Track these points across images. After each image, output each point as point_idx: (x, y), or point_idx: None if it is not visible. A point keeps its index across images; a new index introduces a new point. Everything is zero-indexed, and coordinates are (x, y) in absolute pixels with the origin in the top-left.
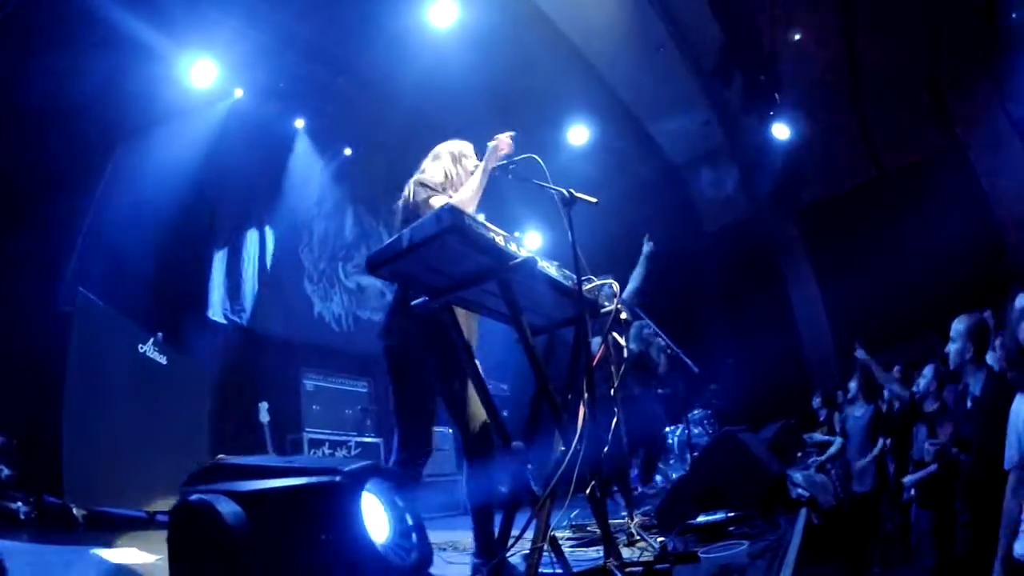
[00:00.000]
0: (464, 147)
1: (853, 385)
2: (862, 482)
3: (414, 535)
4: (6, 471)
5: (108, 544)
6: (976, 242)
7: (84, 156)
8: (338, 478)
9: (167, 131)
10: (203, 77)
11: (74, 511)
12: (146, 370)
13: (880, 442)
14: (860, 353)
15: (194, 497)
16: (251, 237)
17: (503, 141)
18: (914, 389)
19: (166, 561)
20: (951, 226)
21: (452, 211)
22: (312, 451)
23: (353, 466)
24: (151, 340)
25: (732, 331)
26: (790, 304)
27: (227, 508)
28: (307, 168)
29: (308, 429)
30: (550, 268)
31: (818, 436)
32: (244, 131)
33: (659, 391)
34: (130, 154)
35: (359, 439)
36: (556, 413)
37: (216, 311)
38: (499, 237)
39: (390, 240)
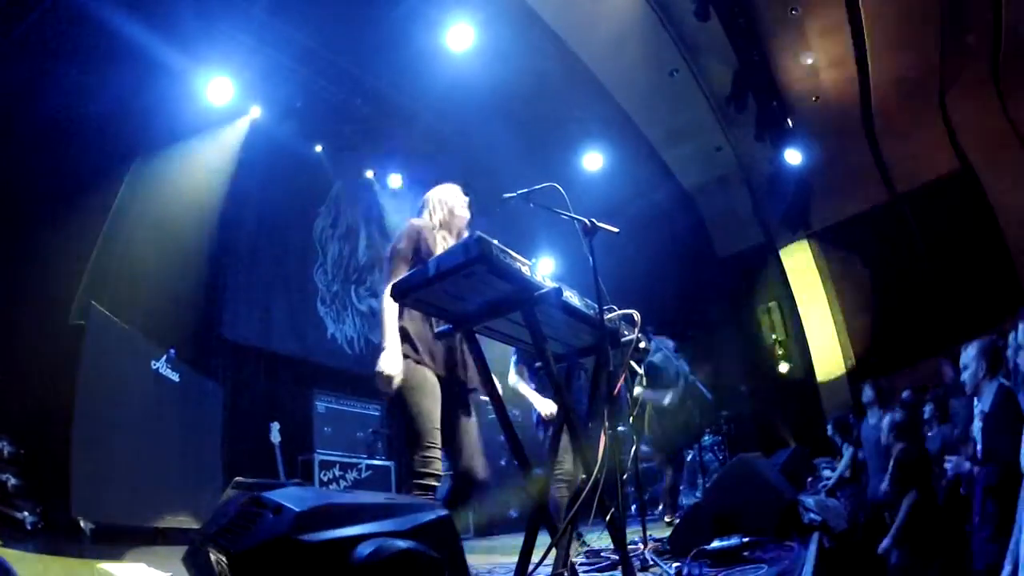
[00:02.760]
0: (450, 193)
1: (868, 392)
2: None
3: None
4: (14, 480)
5: (116, 558)
6: (987, 265)
7: (101, 170)
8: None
9: (184, 147)
10: (220, 94)
11: (81, 523)
12: (159, 387)
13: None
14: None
15: (402, 545)
16: (266, 256)
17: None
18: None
19: None
20: (963, 249)
21: (480, 240)
22: (323, 472)
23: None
24: (164, 357)
25: (743, 357)
26: (802, 330)
27: (420, 549)
28: (322, 189)
29: (319, 450)
30: (573, 297)
31: (827, 473)
32: (261, 149)
33: None
34: (147, 169)
35: (369, 462)
36: (577, 440)
37: (230, 330)
38: (524, 267)
39: (416, 269)
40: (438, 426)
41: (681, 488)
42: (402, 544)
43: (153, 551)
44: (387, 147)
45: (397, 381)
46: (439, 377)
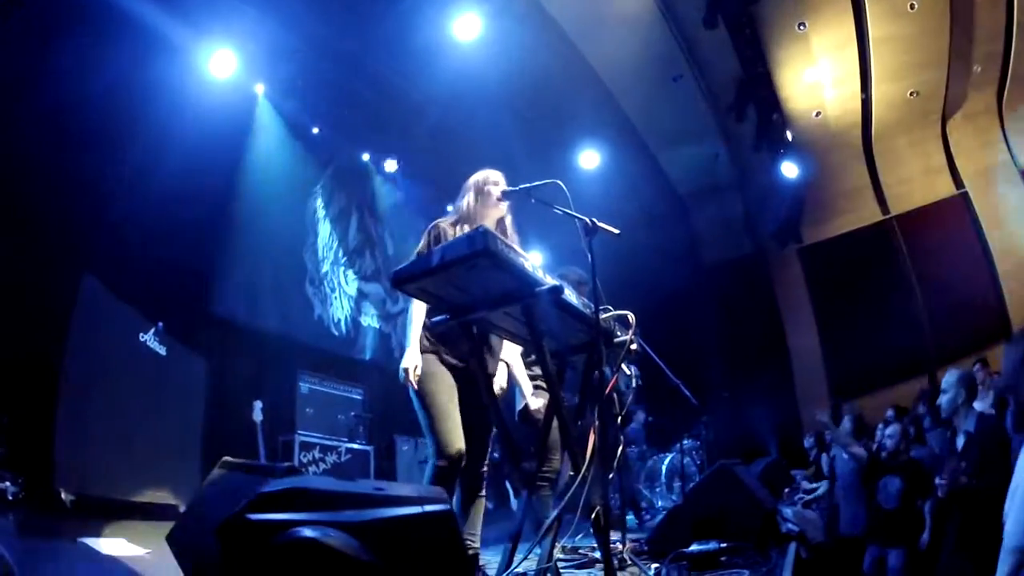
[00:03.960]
0: (490, 175)
1: (846, 424)
2: (853, 524)
3: None
4: None
5: (96, 532)
6: (976, 290)
7: (100, 145)
8: (447, 507)
9: (184, 121)
10: (223, 67)
11: (62, 495)
12: (145, 360)
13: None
14: (821, 416)
15: (307, 533)
16: (257, 234)
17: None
18: (880, 441)
19: (155, 555)
20: (952, 273)
21: (486, 234)
22: (302, 454)
23: (442, 494)
24: (152, 330)
25: (727, 364)
26: (786, 341)
27: (346, 543)
28: (317, 170)
29: (300, 431)
30: (571, 295)
31: (806, 484)
32: (259, 126)
33: (650, 419)
34: (146, 142)
35: (349, 445)
36: (566, 436)
37: (218, 305)
38: (527, 263)
39: (418, 257)
40: (449, 411)
41: (658, 490)
42: (309, 533)
43: (132, 526)
44: (385, 132)
45: (415, 374)
46: (454, 366)
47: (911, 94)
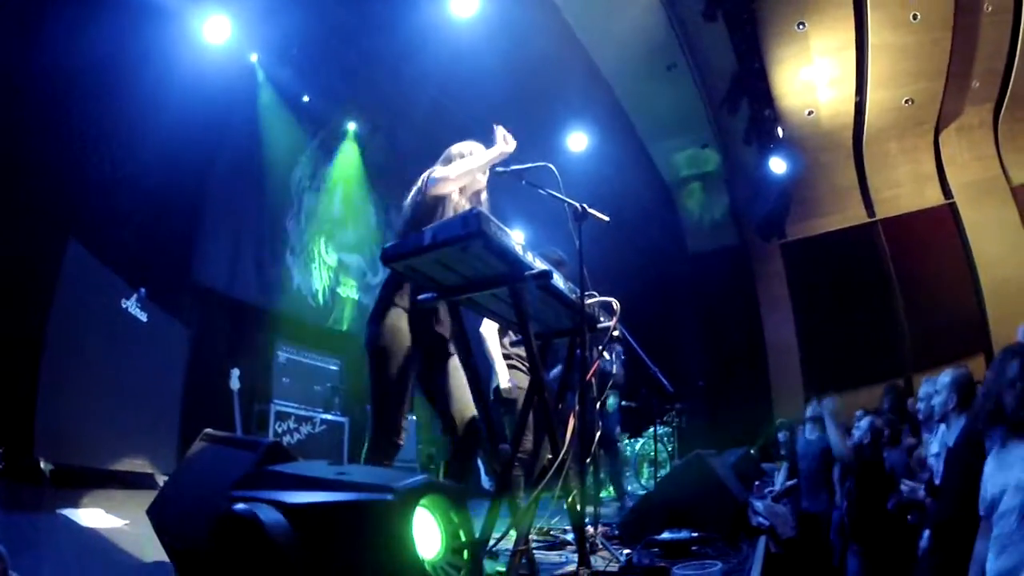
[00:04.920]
0: (475, 147)
1: (811, 410)
2: (815, 502)
3: (466, 553)
4: None
5: (75, 503)
6: (958, 301)
7: (89, 109)
8: (391, 496)
9: (175, 87)
10: (216, 33)
11: (41, 464)
12: (127, 326)
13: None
14: (828, 403)
15: (240, 507)
16: (241, 201)
17: (511, 143)
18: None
19: (133, 526)
20: (935, 281)
21: (479, 216)
22: (278, 424)
23: (407, 483)
24: (134, 296)
25: (703, 353)
26: (763, 335)
27: (272, 520)
28: (304, 139)
29: (276, 401)
30: (559, 280)
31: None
32: (250, 92)
33: (623, 403)
34: (136, 108)
35: (324, 416)
36: (548, 418)
37: (200, 272)
38: (518, 246)
39: (410, 235)
40: (405, 394)
41: (628, 475)
42: (240, 507)
43: (109, 495)
44: (374, 104)
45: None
46: (422, 340)
47: (906, 102)
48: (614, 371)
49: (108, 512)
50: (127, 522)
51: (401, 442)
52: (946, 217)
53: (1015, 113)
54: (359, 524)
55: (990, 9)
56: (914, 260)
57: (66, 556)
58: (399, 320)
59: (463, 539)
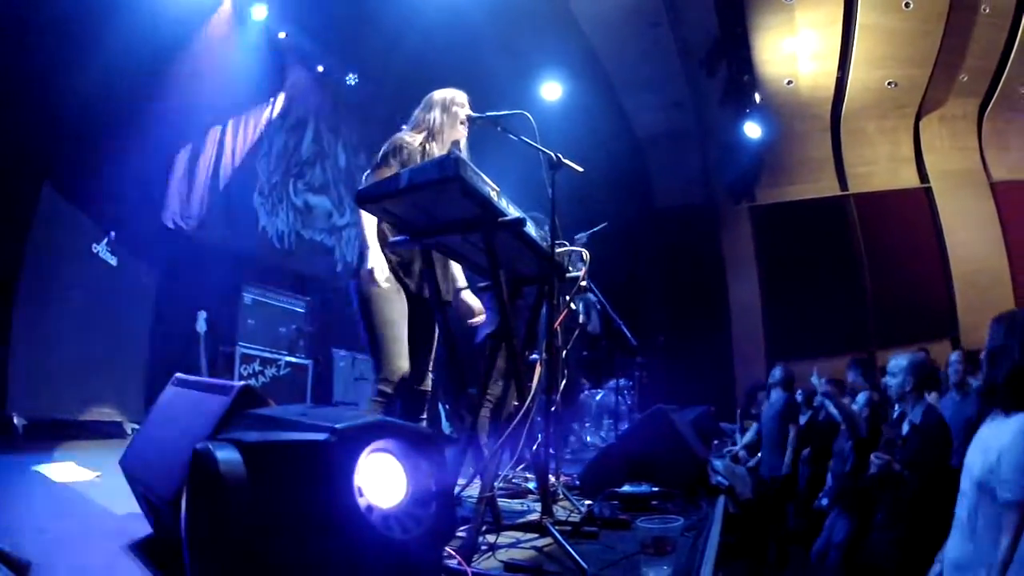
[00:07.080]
0: (457, 95)
1: (776, 373)
2: (773, 466)
3: (434, 503)
4: None
5: (47, 457)
6: (927, 284)
7: (59, 44)
8: (329, 435)
9: (148, 21)
10: None
11: (15, 420)
12: (97, 272)
13: (792, 431)
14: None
15: (201, 445)
16: (211, 140)
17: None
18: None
19: (105, 478)
20: (905, 262)
21: (457, 160)
22: (243, 367)
23: (349, 423)
24: (105, 240)
25: (666, 309)
26: (727, 296)
27: (226, 457)
28: (278, 78)
29: (241, 343)
30: (531, 228)
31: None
32: (227, 29)
33: (584, 353)
34: (109, 44)
35: (289, 359)
36: (515, 365)
37: (169, 216)
38: (493, 192)
39: (385, 177)
40: (401, 335)
41: (587, 425)
42: (199, 446)
43: (79, 446)
44: (349, 45)
45: (382, 275)
46: (409, 291)
47: (889, 84)
48: (590, 320)
49: (80, 465)
50: (98, 474)
51: (425, 387)
52: (921, 201)
53: (1002, 114)
54: (300, 464)
55: (987, 11)
56: (885, 238)
57: (41, 518)
58: (382, 262)
59: (432, 489)
